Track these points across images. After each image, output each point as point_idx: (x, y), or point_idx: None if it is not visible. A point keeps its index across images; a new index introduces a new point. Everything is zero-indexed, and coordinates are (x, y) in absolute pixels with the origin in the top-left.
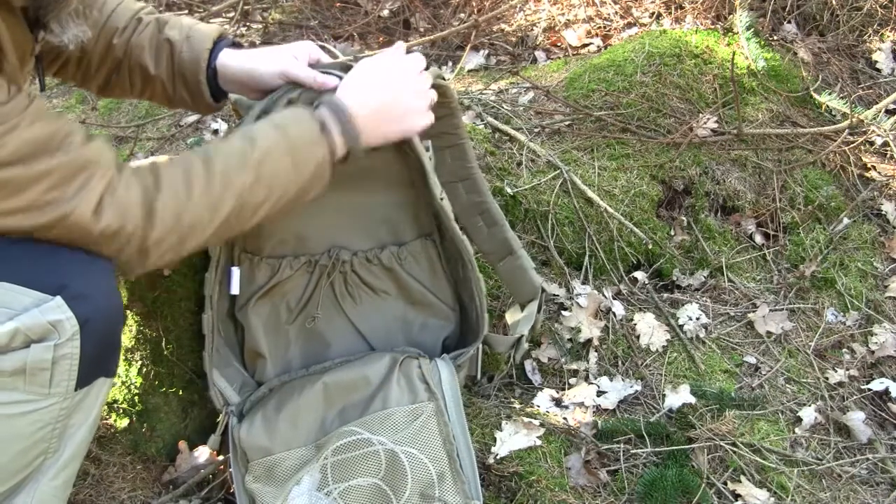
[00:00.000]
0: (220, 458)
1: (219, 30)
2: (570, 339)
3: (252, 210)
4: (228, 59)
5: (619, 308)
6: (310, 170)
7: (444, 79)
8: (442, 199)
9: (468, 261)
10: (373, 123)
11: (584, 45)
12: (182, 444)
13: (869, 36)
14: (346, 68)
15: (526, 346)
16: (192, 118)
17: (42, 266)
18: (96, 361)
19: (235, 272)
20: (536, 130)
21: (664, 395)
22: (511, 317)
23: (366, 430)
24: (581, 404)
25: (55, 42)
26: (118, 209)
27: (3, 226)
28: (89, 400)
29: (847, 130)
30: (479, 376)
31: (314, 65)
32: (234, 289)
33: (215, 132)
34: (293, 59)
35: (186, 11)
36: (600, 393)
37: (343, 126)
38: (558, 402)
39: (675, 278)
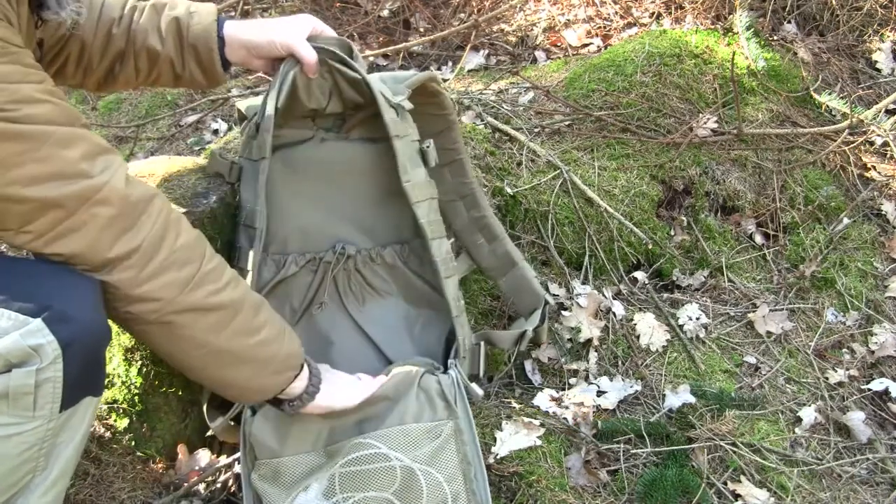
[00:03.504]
0: (220, 460)
1: (216, 7)
2: (570, 339)
3: (192, 341)
4: (234, 29)
5: (619, 308)
6: (253, 381)
7: (439, 84)
8: (408, 181)
9: (425, 237)
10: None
11: (584, 45)
12: (182, 448)
13: (869, 36)
14: (344, 46)
15: (530, 333)
16: (192, 118)
17: (25, 286)
18: (81, 382)
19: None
20: (536, 130)
21: (664, 395)
22: (515, 326)
23: (383, 444)
24: (581, 404)
25: (52, 19)
26: (144, 188)
27: (31, 195)
28: (76, 419)
29: (847, 130)
30: (481, 374)
31: (316, 36)
32: None
33: (215, 132)
34: (295, 31)
35: None
36: (600, 393)
37: (306, 392)
38: (558, 402)
39: (675, 278)
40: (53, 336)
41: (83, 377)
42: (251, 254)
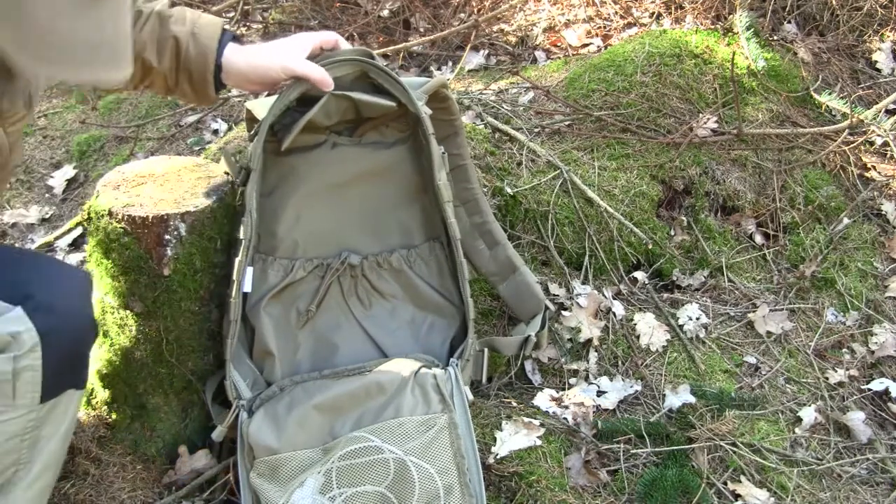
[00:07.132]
0: (220, 461)
1: (222, 24)
2: (570, 339)
3: None
4: (233, 56)
5: (619, 308)
6: None
7: (448, 89)
8: (441, 181)
9: (453, 237)
10: None
11: (584, 45)
12: (182, 449)
13: (869, 36)
14: (365, 54)
15: (534, 339)
16: (193, 118)
17: (11, 275)
18: (63, 373)
19: (248, 271)
20: (536, 130)
21: (664, 395)
22: (516, 331)
23: (377, 437)
24: (581, 404)
25: None
26: None
27: None
28: (58, 412)
29: (847, 130)
30: (483, 380)
31: (322, 54)
32: (247, 286)
33: (215, 132)
34: (294, 53)
35: None
36: (600, 393)
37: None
38: (558, 402)
39: (675, 278)
40: (32, 324)
41: (64, 368)
42: (237, 261)
